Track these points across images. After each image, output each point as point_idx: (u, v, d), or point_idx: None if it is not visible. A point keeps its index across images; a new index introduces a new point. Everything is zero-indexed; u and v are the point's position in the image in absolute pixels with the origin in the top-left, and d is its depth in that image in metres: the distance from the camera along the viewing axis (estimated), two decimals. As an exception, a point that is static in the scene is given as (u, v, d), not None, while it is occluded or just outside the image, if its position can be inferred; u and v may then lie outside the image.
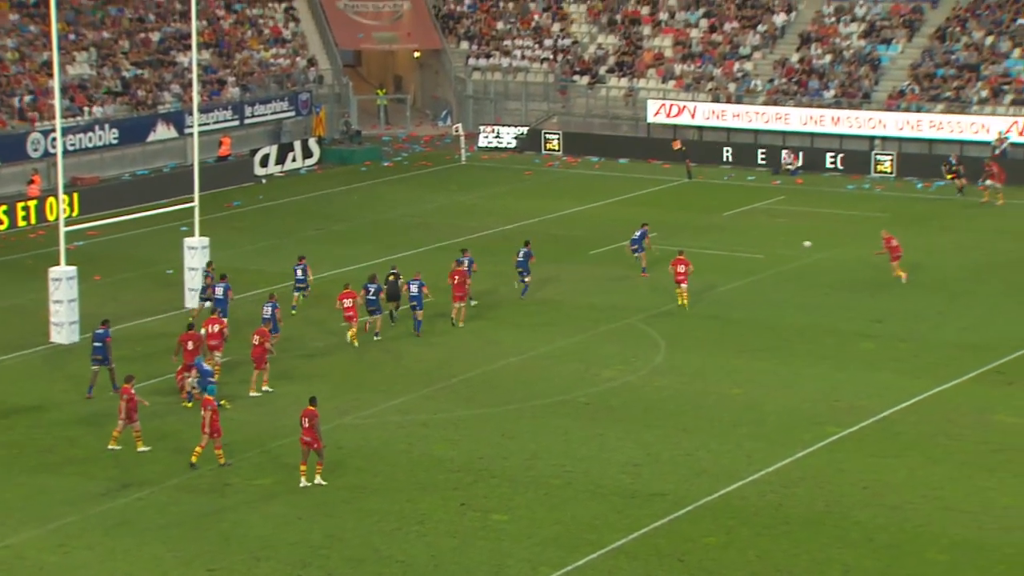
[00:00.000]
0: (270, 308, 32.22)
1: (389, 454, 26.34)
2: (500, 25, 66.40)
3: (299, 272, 36.04)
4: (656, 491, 24.81)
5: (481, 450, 26.74)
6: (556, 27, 65.37)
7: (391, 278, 34.87)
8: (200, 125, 47.54)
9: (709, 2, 62.68)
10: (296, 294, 35.96)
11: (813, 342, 33.27)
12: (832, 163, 53.81)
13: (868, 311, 35.56)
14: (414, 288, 34.11)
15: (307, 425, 25.21)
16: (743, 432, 27.55)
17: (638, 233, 39.15)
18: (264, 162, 54.52)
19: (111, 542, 23.02)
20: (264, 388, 29.94)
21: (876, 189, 50.96)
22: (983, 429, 27.46)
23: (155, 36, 58.47)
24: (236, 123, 56.77)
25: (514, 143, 59.14)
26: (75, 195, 47.49)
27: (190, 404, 28.64)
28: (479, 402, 29.29)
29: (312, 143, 56.83)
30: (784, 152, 54.26)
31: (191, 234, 37.11)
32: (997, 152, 50.59)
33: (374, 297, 33.62)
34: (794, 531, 23.34)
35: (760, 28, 60.76)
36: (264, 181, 53.56)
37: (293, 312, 35.26)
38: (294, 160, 55.66)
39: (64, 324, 32.98)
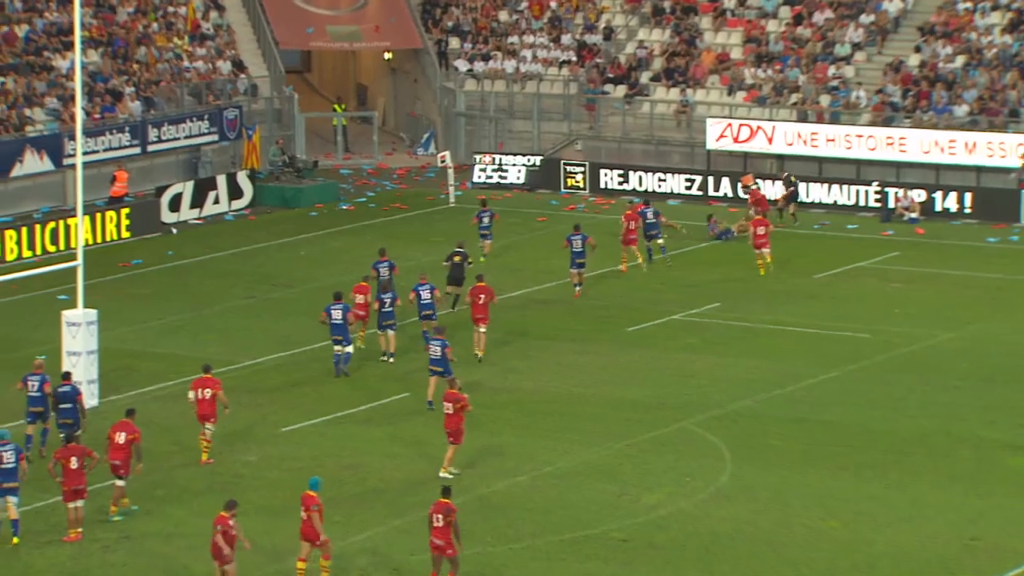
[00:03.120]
0: (428, 292, 38.75)
1: (347, 612, 26.40)
2: (504, 16, 67.17)
3: (384, 270, 40.96)
4: (720, 664, 24.91)
5: (475, 606, 26.90)
6: (580, 18, 66.10)
7: (456, 259, 41.83)
8: (86, 153, 47.98)
9: (793, -17, 63.49)
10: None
11: (941, 455, 33.35)
12: (966, 207, 54.09)
13: (1019, 412, 35.68)
14: (425, 294, 39.19)
15: (439, 524, 26.15)
16: (842, 581, 27.61)
17: (650, 211, 47.45)
18: (175, 205, 54.95)
19: None
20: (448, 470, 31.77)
21: (1027, 242, 51.46)
22: None
23: (22, 31, 59.16)
24: (136, 151, 57.29)
25: (523, 178, 59.61)
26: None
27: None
28: (474, 538, 29.32)
29: (242, 178, 57.31)
30: (898, 191, 54.57)
31: (72, 305, 37.36)
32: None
33: (390, 309, 37.63)
34: None
35: (865, 19, 61.42)
36: (175, 231, 53.97)
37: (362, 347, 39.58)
38: (217, 202, 56.12)
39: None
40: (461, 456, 33.05)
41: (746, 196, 53.32)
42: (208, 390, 32.89)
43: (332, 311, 37.90)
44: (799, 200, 54.32)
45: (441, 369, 35.25)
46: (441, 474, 31.83)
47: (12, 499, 29.13)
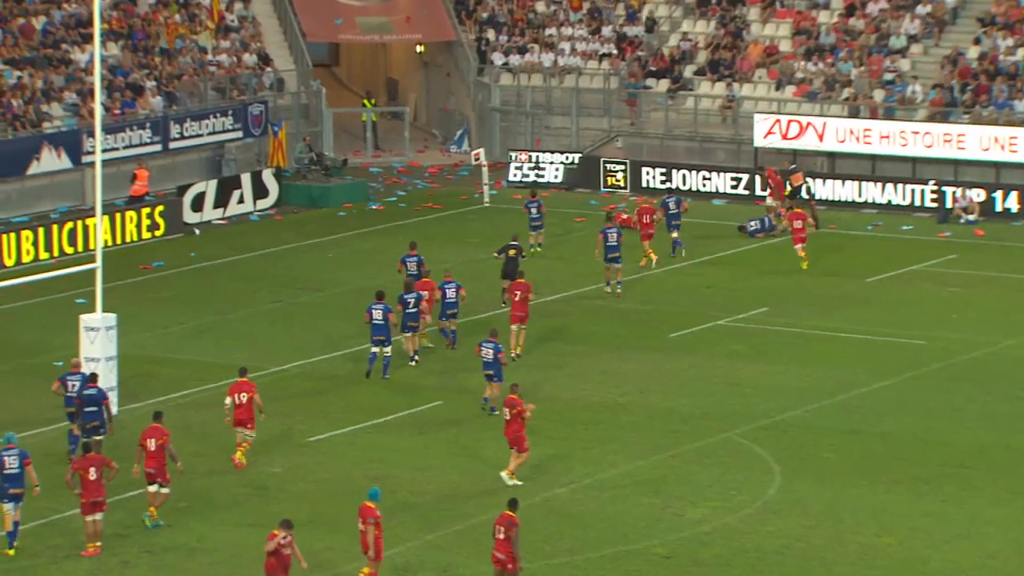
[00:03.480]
0: (453, 290, 40.18)
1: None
2: (541, 7, 67.15)
3: (412, 265, 41.38)
4: None
5: (511, 625, 26.86)
6: (621, 9, 66.02)
7: (511, 252, 42.88)
8: (105, 151, 48.12)
9: (845, -27, 63.32)
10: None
11: (1001, 469, 33.21)
12: (1027, 206, 54.00)
13: (1082, 423, 35.60)
14: (450, 292, 40.27)
15: (501, 536, 26.52)
16: (897, 600, 27.61)
17: (672, 200, 48.84)
18: (198, 204, 55.09)
19: None
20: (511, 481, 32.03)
21: (1093, 244, 51.21)
22: None
23: (39, 23, 59.40)
24: (158, 148, 57.45)
25: (560, 176, 59.55)
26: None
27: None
28: (508, 554, 29.36)
29: (268, 177, 57.42)
30: (956, 191, 54.36)
31: (91, 309, 37.49)
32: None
33: (414, 310, 39.06)
34: None
35: (921, 10, 61.18)
36: (198, 231, 54.09)
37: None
38: (241, 202, 56.23)
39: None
40: (494, 468, 33.03)
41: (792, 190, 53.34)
42: (244, 394, 33.14)
43: (373, 311, 38.26)
44: (802, 196, 53.66)
45: (492, 372, 35.67)
46: (503, 475, 32.10)
47: (16, 505, 29.33)
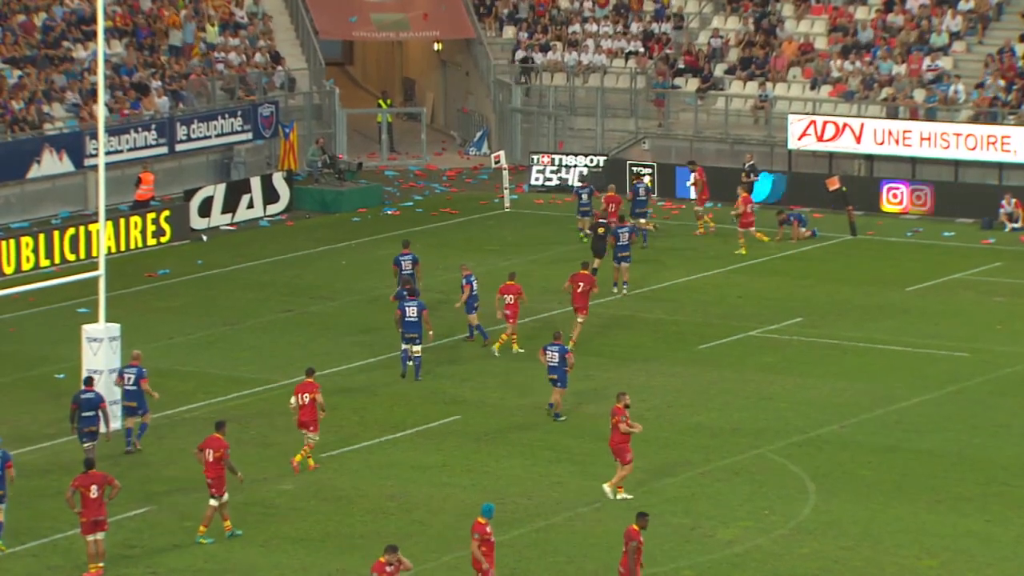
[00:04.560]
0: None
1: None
2: (564, 2, 67.23)
3: (407, 263, 42.59)
4: None
5: (532, 651, 26.92)
6: (649, 5, 66.07)
7: (600, 230, 46.08)
8: (109, 153, 48.25)
9: (884, -34, 63.28)
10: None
11: (1047, 487, 33.18)
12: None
13: None
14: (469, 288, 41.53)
15: (624, 550, 27.37)
16: (938, 626, 27.60)
17: (641, 187, 51.49)
18: (206, 210, 55.21)
19: None
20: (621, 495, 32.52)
21: None
22: None
23: (39, 19, 59.59)
24: (163, 150, 57.60)
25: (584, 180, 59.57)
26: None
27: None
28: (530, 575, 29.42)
29: (279, 181, 57.53)
30: (1005, 199, 54.24)
31: (94, 319, 37.59)
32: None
33: (416, 319, 39.40)
34: None
35: (963, 6, 61.11)
36: (205, 238, 54.20)
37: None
38: (251, 207, 56.34)
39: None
40: (513, 486, 33.02)
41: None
42: (307, 395, 33.75)
43: (407, 307, 38.85)
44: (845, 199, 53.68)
45: (556, 377, 36.29)
46: (605, 488, 32.34)
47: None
